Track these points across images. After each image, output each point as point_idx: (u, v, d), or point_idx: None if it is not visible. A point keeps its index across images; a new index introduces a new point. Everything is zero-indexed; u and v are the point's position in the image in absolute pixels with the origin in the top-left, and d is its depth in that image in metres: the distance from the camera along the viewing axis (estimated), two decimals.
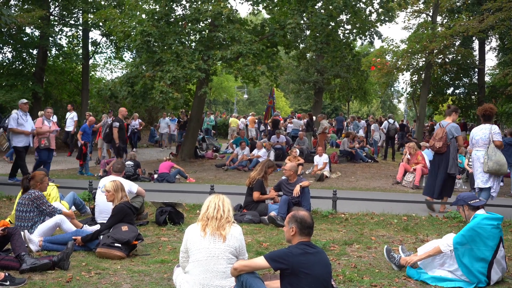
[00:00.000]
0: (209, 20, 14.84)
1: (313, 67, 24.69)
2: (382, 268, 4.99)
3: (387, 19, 15.71)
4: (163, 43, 14.26)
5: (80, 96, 23.13)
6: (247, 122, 24.31)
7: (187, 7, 15.15)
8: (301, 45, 17.58)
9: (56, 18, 22.24)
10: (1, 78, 19.76)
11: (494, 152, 7.26)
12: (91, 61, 24.57)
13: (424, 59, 18.83)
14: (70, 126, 16.83)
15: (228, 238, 3.79)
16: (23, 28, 19.58)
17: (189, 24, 14.47)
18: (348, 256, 5.47)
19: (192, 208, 8.19)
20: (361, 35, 16.49)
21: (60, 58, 23.50)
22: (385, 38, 20.07)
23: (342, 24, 16.13)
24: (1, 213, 7.51)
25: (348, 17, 15.89)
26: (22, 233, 5.11)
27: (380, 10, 15.55)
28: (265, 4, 15.70)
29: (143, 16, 14.94)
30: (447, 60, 19.92)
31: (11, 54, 21.50)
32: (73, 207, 7.37)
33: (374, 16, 15.97)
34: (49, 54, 22.06)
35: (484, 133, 7.46)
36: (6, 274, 4.25)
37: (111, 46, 24.15)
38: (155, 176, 12.25)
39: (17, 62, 21.51)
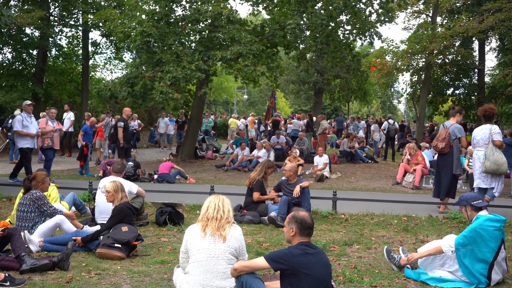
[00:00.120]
0: (209, 21, 14.85)
1: (313, 67, 24.69)
2: (382, 268, 4.99)
3: (387, 19, 15.71)
4: (163, 43, 14.26)
5: (80, 96, 23.11)
6: (247, 123, 24.32)
7: (187, 8, 15.15)
8: (301, 46, 17.58)
9: (56, 18, 22.24)
10: (1, 78, 19.74)
11: (492, 152, 7.26)
12: (91, 62, 24.56)
13: (424, 59, 18.82)
14: (66, 127, 16.85)
15: (228, 239, 3.79)
16: (23, 28, 19.57)
17: (189, 25, 14.47)
18: (348, 256, 5.47)
19: (192, 209, 8.19)
20: (361, 36, 16.50)
21: (60, 59, 23.49)
22: (385, 39, 20.13)
23: (342, 25, 16.13)
24: (1, 213, 7.51)
25: (348, 17, 15.89)
26: (22, 233, 5.11)
27: (380, 10, 15.56)
28: (265, 5, 15.70)
29: (143, 16, 14.94)
30: (447, 60, 19.91)
31: (11, 54, 21.50)
32: (73, 208, 7.37)
33: (374, 16, 15.99)
34: (49, 55, 22.05)
35: (484, 133, 7.47)
36: (6, 274, 4.25)
37: (111, 46, 24.15)
38: (155, 176, 12.25)
39: (17, 63, 21.50)
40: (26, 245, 5.01)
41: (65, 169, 14.06)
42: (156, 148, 22.06)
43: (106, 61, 30.69)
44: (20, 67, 21.36)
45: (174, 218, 6.92)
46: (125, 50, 22.26)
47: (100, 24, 19.39)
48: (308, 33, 16.70)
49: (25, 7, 20.15)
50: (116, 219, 5.47)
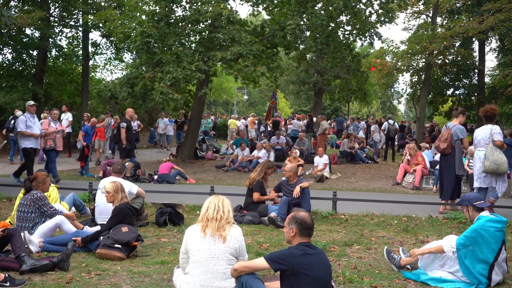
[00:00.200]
0: (209, 21, 14.85)
1: (313, 68, 24.69)
2: (382, 269, 4.98)
3: (387, 20, 15.71)
4: (163, 44, 14.27)
5: (80, 97, 23.13)
6: (247, 123, 24.32)
7: (187, 8, 15.15)
8: (301, 46, 17.59)
9: (56, 19, 22.26)
10: (1, 79, 19.75)
11: (492, 151, 7.27)
12: (91, 62, 24.59)
13: (424, 60, 18.84)
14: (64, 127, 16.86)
15: (228, 239, 3.79)
16: (23, 29, 19.60)
17: (189, 25, 14.47)
18: (348, 257, 5.46)
19: (192, 209, 8.19)
20: (361, 36, 16.49)
21: (60, 59, 23.51)
22: (385, 39, 20.08)
23: (342, 25, 16.13)
24: (1, 214, 7.51)
25: (348, 18, 15.90)
26: (22, 234, 5.11)
27: (380, 11, 15.56)
28: (265, 5, 15.70)
29: (143, 17, 14.95)
30: (447, 61, 19.92)
31: (11, 55, 21.53)
32: (73, 208, 7.37)
33: (374, 17, 15.99)
34: (49, 55, 22.07)
35: (485, 133, 7.49)
36: (6, 275, 4.25)
37: (111, 47, 24.18)
38: (155, 177, 12.25)
39: (17, 63, 21.53)
40: (26, 246, 5.01)
41: (65, 170, 14.05)
42: (156, 148, 22.07)
43: (106, 62, 30.81)
44: (20, 68, 21.38)
45: (174, 219, 6.92)
46: (125, 50, 22.28)
47: (100, 25, 19.42)
48: (308, 33, 16.70)
49: (25, 8, 20.18)
50: (116, 220, 5.47)
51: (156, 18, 14.17)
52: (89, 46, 23.00)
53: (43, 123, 10.92)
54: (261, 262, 3.46)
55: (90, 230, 5.87)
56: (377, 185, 12.05)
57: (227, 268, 3.72)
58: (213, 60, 13.93)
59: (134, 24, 14.59)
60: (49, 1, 21.10)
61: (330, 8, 14.33)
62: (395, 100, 54.91)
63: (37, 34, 21.46)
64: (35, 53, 21.23)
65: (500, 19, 16.25)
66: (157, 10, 14.50)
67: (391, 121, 17.46)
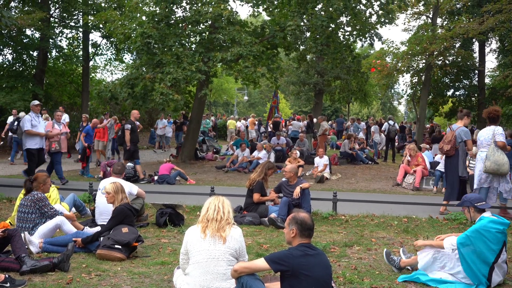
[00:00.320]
0: (209, 22, 14.86)
1: (313, 68, 24.70)
2: (382, 270, 4.98)
3: (387, 21, 15.72)
4: (163, 45, 14.28)
5: (80, 98, 23.15)
6: (247, 124, 24.33)
7: (188, 9, 15.17)
8: (301, 47, 17.59)
9: (57, 20, 22.29)
10: (2, 80, 19.79)
11: (493, 152, 7.28)
12: (91, 63, 24.62)
13: (424, 61, 18.83)
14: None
15: (228, 240, 3.79)
16: (24, 30, 19.62)
17: (189, 26, 14.49)
18: (349, 258, 5.46)
19: (192, 210, 8.19)
20: (361, 37, 16.50)
21: (61, 60, 23.54)
22: (385, 40, 20.01)
23: (342, 26, 16.15)
24: (1, 214, 7.51)
25: (348, 19, 15.91)
26: (22, 234, 5.11)
27: (380, 12, 15.57)
28: (265, 6, 15.72)
29: (143, 18, 14.96)
30: (447, 62, 19.92)
31: (12, 56, 21.57)
32: (73, 209, 7.37)
33: (374, 18, 16.00)
34: (49, 56, 22.09)
35: (488, 134, 7.53)
36: (6, 275, 4.25)
37: (111, 48, 24.21)
38: (155, 177, 12.25)
39: (17, 64, 21.56)
40: (26, 246, 5.01)
41: (65, 170, 14.00)
42: (157, 148, 22.05)
43: (106, 63, 30.80)
44: (21, 69, 21.41)
45: (174, 219, 6.92)
46: (126, 51, 22.29)
47: (101, 26, 19.44)
48: (308, 34, 16.71)
49: (26, 9, 20.21)
50: (116, 220, 5.47)
51: (156, 19, 14.18)
52: (89, 47, 23.02)
53: (46, 125, 10.91)
54: (261, 263, 3.46)
55: (90, 230, 5.87)
56: (377, 186, 12.05)
57: (227, 269, 3.72)
58: (213, 61, 13.93)
59: (134, 25, 14.60)
60: (50, 2, 21.13)
61: (330, 9, 14.33)
62: (395, 101, 55.01)
63: (37, 35, 21.49)
64: (35, 53, 21.25)
65: (500, 20, 16.25)
66: (157, 11, 14.51)
67: (391, 122, 17.46)
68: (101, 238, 5.40)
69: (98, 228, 5.89)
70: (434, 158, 13.44)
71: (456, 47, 19.48)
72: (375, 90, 32.13)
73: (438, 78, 22.09)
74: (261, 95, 55.18)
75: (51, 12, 21.23)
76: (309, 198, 7.43)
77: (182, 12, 15.52)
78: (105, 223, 5.76)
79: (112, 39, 20.79)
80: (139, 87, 14.00)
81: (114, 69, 32.86)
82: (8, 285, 4.16)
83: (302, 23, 14.84)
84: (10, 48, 20.89)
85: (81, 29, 22.07)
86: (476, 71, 21.70)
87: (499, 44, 22.34)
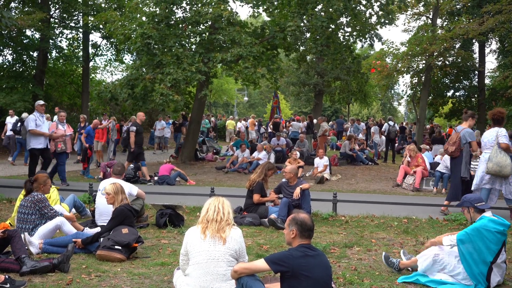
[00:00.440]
0: (210, 23, 14.87)
1: (313, 69, 24.70)
2: (382, 270, 4.98)
3: (387, 21, 15.73)
4: (164, 45, 14.28)
5: (80, 98, 23.15)
6: (247, 125, 24.33)
7: (188, 10, 15.18)
8: (301, 48, 17.60)
9: (57, 20, 22.29)
10: (2, 80, 19.78)
11: (496, 153, 7.29)
12: (91, 64, 24.62)
13: (424, 61, 18.83)
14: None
15: (228, 241, 3.79)
16: (24, 30, 19.62)
17: (190, 27, 14.50)
18: (349, 258, 5.46)
19: (192, 211, 8.18)
20: (361, 38, 16.52)
21: (61, 61, 23.55)
22: (385, 41, 20.01)
23: (342, 27, 16.16)
24: (1, 215, 7.51)
25: (348, 19, 15.92)
26: (22, 235, 5.11)
27: (380, 12, 15.58)
28: (265, 7, 15.73)
29: (144, 18, 14.97)
30: (447, 62, 19.92)
31: (12, 56, 21.57)
32: (73, 210, 7.37)
33: (374, 18, 16.01)
34: (49, 57, 22.09)
35: (492, 135, 7.55)
36: (6, 276, 4.25)
37: (111, 48, 24.21)
38: (155, 178, 12.24)
39: (17, 65, 21.55)
40: (26, 247, 5.01)
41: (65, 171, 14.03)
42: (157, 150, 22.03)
43: (106, 63, 30.82)
44: (21, 69, 21.41)
45: (174, 220, 6.92)
46: (126, 52, 22.29)
47: (101, 26, 19.44)
48: (308, 35, 16.73)
49: (26, 9, 20.21)
50: (116, 221, 5.46)
51: (156, 20, 14.19)
52: (90, 48, 23.02)
53: (50, 125, 10.88)
54: (261, 263, 3.46)
55: (90, 231, 5.87)
56: (377, 187, 12.05)
57: (227, 269, 3.72)
58: (213, 61, 13.94)
59: (134, 26, 14.61)
60: (50, 3, 21.14)
61: (330, 9, 14.34)
62: (395, 102, 55.01)
63: (37, 35, 21.50)
64: (35, 54, 21.25)
65: (500, 21, 16.25)
66: (158, 12, 14.52)
67: (391, 123, 17.46)
68: (101, 239, 5.40)
69: (98, 229, 5.89)
70: (434, 159, 13.44)
71: (456, 47, 19.48)
72: (375, 90, 32.12)
73: (438, 79, 22.09)
74: (261, 96, 55.19)
75: (51, 13, 21.23)
76: (309, 199, 7.43)
77: (182, 13, 15.55)
78: (105, 224, 5.76)
79: (112, 39, 20.80)
80: (139, 88, 14.00)
81: (114, 69, 32.97)
82: (8, 286, 4.15)
83: (302, 24, 14.85)
84: (10, 48, 20.89)
85: (81, 30, 22.08)
86: (476, 72, 21.69)
87: (499, 44, 22.34)
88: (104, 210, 6.28)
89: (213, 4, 14.28)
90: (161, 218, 6.92)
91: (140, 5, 15.19)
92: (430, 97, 21.74)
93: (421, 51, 17.68)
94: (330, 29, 15.31)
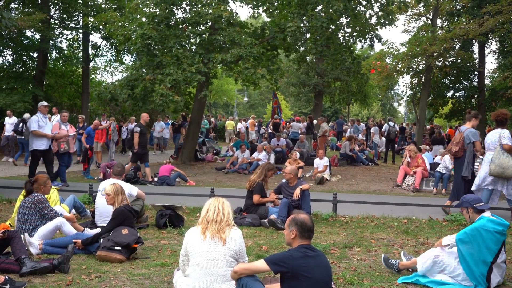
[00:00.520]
0: (209, 23, 14.87)
1: (313, 70, 24.72)
2: (382, 271, 4.98)
3: (387, 22, 15.74)
4: (164, 46, 14.28)
5: (80, 99, 23.15)
6: (247, 125, 24.33)
7: (188, 10, 15.19)
8: (301, 48, 17.61)
9: (57, 21, 22.30)
10: (2, 81, 19.78)
11: (499, 155, 7.30)
12: (91, 64, 24.62)
13: (424, 62, 18.82)
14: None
15: (228, 241, 3.79)
16: (24, 31, 19.62)
17: (189, 27, 14.50)
18: (349, 259, 5.46)
19: (192, 211, 8.18)
20: (361, 38, 16.54)
21: (61, 61, 23.54)
22: (385, 41, 20.17)
23: (342, 27, 16.17)
24: (1, 216, 7.50)
25: (348, 20, 15.92)
26: (22, 236, 5.11)
27: (380, 13, 15.59)
28: (265, 7, 15.73)
29: (144, 19, 14.97)
30: (447, 63, 19.91)
31: (12, 57, 21.56)
32: (73, 210, 7.37)
33: (374, 19, 16.02)
34: (49, 57, 22.09)
35: (495, 137, 7.56)
36: (6, 277, 4.25)
37: (111, 49, 24.22)
38: (155, 179, 12.24)
39: (17, 65, 21.55)
40: (26, 248, 5.01)
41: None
42: (156, 150, 22.03)
43: (106, 64, 30.79)
44: (21, 70, 21.40)
45: (174, 221, 6.92)
46: (126, 52, 22.31)
47: (101, 27, 19.45)
48: (308, 35, 16.72)
49: (26, 10, 20.21)
50: (116, 222, 5.46)
51: (156, 20, 14.20)
52: (90, 48, 23.03)
53: (53, 126, 10.87)
54: (261, 264, 3.46)
55: (90, 232, 5.87)
56: (377, 187, 12.05)
57: (227, 270, 3.72)
58: (213, 62, 13.94)
59: (134, 26, 14.62)
60: (50, 3, 21.14)
61: (330, 10, 14.34)
62: (395, 102, 55.01)
63: (37, 36, 21.51)
64: (35, 55, 21.25)
65: (500, 21, 16.24)
66: (158, 12, 14.53)
67: (391, 123, 17.46)
68: (101, 240, 5.40)
69: (98, 230, 5.89)
70: (434, 159, 13.44)
71: (456, 48, 19.48)
72: (375, 91, 32.13)
73: (438, 79, 22.09)
74: (261, 97, 55.21)
75: (51, 13, 21.24)
76: (309, 199, 7.43)
77: (182, 14, 15.55)
78: (105, 225, 5.75)
79: (112, 40, 20.81)
80: (139, 89, 14.00)
81: (114, 70, 32.98)
82: (8, 286, 4.15)
83: (302, 25, 14.85)
84: (10, 49, 20.88)
85: (81, 31, 22.08)
86: (476, 72, 21.70)
87: (499, 45, 22.34)
88: (104, 211, 6.28)
89: (213, 4, 14.28)
90: (161, 219, 6.92)
91: (140, 6, 15.19)
92: (430, 98, 21.74)
93: (421, 52, 17.68)
94: (330, 29, 15.32)
